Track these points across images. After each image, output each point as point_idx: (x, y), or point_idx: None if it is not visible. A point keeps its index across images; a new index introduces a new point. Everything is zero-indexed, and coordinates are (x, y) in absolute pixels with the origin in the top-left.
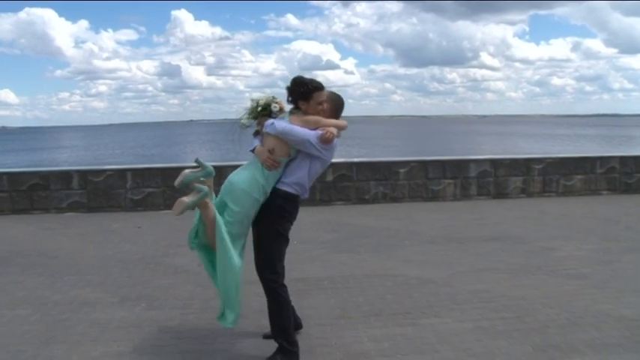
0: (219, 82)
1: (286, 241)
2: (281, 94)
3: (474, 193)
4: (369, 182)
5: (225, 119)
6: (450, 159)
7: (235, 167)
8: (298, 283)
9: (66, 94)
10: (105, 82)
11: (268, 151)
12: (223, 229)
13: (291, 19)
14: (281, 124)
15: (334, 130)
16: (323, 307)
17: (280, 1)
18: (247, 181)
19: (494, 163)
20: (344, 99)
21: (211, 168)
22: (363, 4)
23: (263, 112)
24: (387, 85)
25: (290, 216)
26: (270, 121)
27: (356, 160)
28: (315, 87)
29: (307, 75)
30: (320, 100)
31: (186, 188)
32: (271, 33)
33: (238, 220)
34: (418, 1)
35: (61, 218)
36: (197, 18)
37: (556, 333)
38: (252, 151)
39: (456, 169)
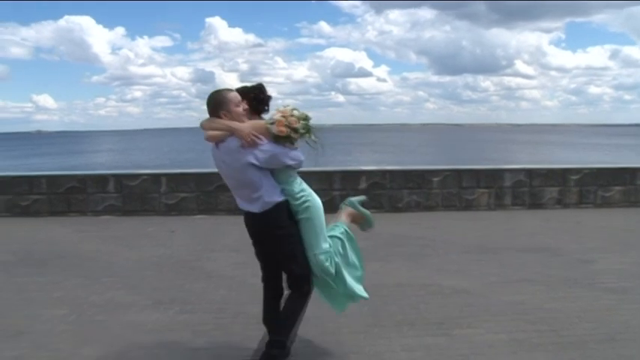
0: None
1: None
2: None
3: (508, 203)
4: (402, 190)
5: None
6: (484, 168)
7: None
8: None
9: (102, 100)
10: (140, 87)
11: None
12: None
13: (324, 26)
14: None
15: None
16: (355, 315)
17: (313, 9)
18: None
19: (529, 172)
20: (212, 95)
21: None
22: (396, 11)
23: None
24: (420, 92)
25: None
26: None
27: (389, 168)
28: None
29: (339, 82)
30: None
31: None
32: (304, 40)
33: None
34: (452, 9)
35: (96, 221)
36: (231, 25)
37: (595, 348)
38: None
39: (491, 178)
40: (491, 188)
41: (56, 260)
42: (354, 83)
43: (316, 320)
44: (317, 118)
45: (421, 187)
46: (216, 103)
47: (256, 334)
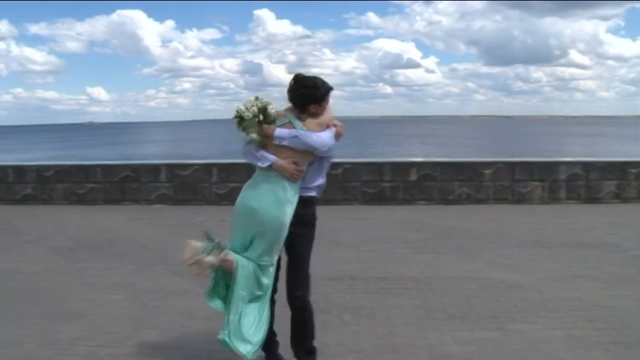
0: None
1: None
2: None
3: (563, 197)
4: (453, 183)
5: None
6: (537, 160)
7: None
8: (382, 282)
9: (152, 91)
10: (189, 79)
11: (294, 163)
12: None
13: (372, 17)
14: (310, 136)
15: (340, 124)
16: (407, 306)
17: (361, 0)
18: (274, 204)
19: (586, 165)
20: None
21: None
22: (445, 1)
23: (265, 120)
24: (470, 84)
25: (316, 220)
26: (292, 132)
27: (440, 159)
28: (330, 87)
29: (387, 73)
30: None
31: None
32: (352, 31)
33: (270, 249)
34: None
35: (149, 209)
36: (279, 17)
37: None
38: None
39: (545, 171)
40: (545, 181)
41: (111, 247)
42: (402, 74)
43: (367, 311)
44: (365, 109)
45: (472, 179)
46: None
47: None
